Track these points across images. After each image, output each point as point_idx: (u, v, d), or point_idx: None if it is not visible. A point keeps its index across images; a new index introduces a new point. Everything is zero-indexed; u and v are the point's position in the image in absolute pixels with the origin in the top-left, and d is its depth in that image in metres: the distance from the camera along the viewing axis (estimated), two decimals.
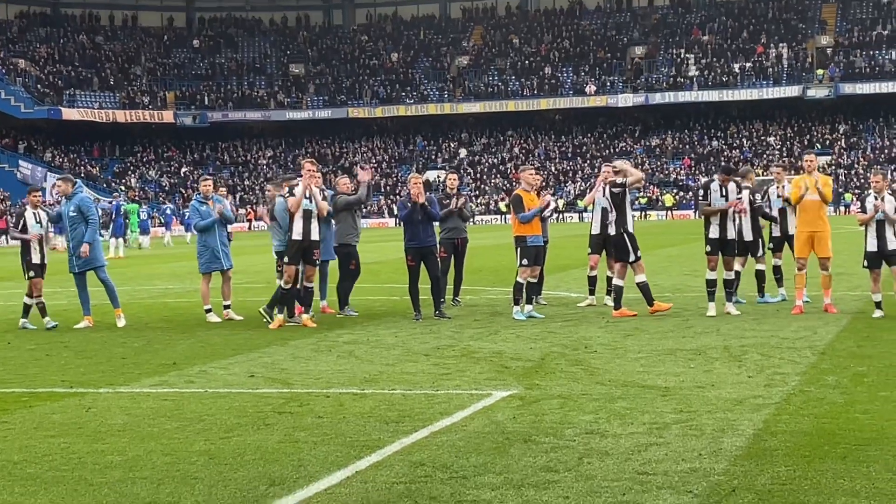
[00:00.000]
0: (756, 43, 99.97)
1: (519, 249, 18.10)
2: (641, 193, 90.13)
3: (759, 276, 19.31)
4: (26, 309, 18.71)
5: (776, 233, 19.22)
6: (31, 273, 18.59)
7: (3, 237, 79.01)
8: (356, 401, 10.91)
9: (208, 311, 18.89)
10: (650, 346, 14.24)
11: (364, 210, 19.20)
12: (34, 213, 18.67)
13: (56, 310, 21.85)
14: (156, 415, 10.48)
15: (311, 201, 17.42)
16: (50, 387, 12.40)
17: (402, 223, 18.82)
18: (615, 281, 18.09)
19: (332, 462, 8.40)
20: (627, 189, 17.91)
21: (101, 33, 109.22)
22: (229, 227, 19.39)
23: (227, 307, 18.91)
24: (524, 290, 18.01)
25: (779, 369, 12.13)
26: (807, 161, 18.16)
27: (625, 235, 17.76)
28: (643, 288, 17.87)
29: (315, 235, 17.51)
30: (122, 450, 8.99)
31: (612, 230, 17.95)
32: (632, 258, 17.77)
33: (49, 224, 18.93)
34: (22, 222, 18.75)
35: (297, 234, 17.38)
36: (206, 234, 18.91)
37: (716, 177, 18.18)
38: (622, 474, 7.81)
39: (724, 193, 17.72)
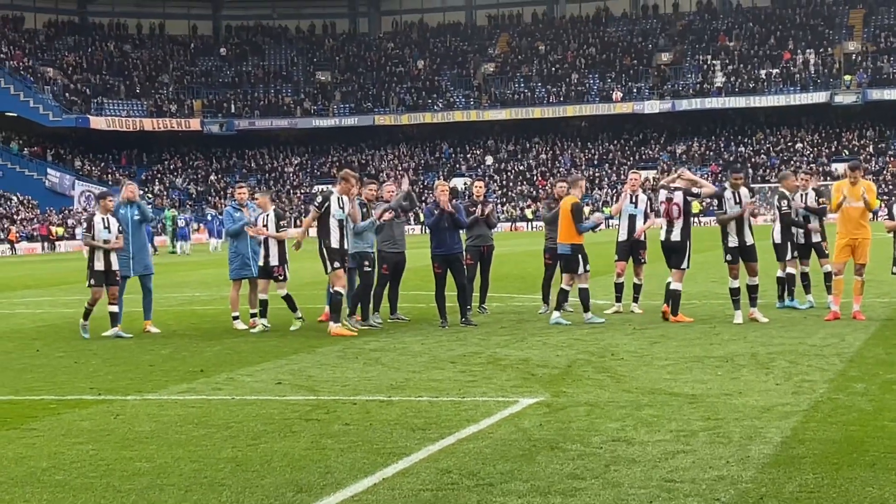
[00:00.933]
0: (783, 49, 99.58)
1: (580, 256, 18.12)
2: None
3: (786, 280, 19.27)
4: (113, 318, 18.33)
5: (801, 240, 19.14)
6: (92, 281, 18.22)
7: (43, 244, 79.64)
8: (383, 408, 10.93)
9: (235, 318, 18.94)
10: (677, 353, 14.21)
11: (402, 218, 19.20)
12: (103, 219, 18.20)
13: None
14: (183, 422, 10.51)
15: (343, 211, 17.53)
16: (78, 394, 12.45)
17: (428, 230, 18.85)
18: (675, 286, 17.98)
19: (359, 469, 8.41)
20: (700, 199, 18.48)
21: (129, 42, 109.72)
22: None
23: (254, 315, 18.93)
24: (568, 296, 18.45)
25: (807, 377, 12.08)
26: (851, 177, 17.64)
27: (688, 243, 17.92)
28: (676, 295, 17.87)
29: (347, 244, 17.63)
30: (150, 457, 9.02)
31: (675, 237, 17.84)
32: (685, 265, 17.96)
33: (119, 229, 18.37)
34: (91, 228, 18.29)
35: (335, 241, 17.49)
36: (237, 240, 18.94)
37: (727, 184, 18.10)
38: (649, 482, 7.80)
39: (737, 200, 17.68)
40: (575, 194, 18.45)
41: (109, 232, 18.17)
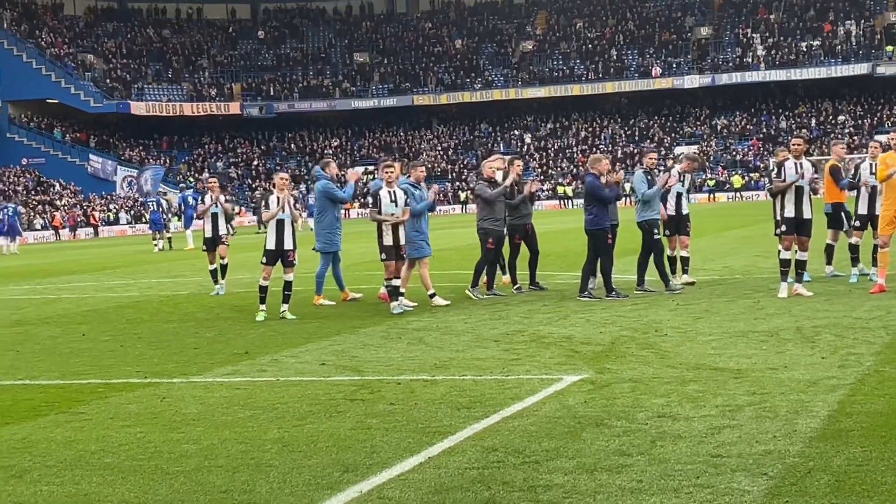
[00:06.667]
0: (824, 21, 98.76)
1: (842, 214, 19.46)
2: (709, 175, 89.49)
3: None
4: (393, 291, 18.01)
5: (862, 210, 18.84)
6: (384, 255, 17.81)
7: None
8: (427, 387, 10.94)
9: (432, 295, 18.54)
10: (721, 328, 14.14)
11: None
12: (390, 192, 17.89)
13: (128, 301, 22.16)
14: (229, 403, 10.57)
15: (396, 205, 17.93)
16: (125, 377, 12.55)
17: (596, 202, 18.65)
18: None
19: (405, 448, 8.43)
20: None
21: (168, 27, 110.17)
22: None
23: (401, 294, 18.66)
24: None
25: (853, 350, 12.00)
26: (893, 139, 17.70)
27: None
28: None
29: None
30: (197, 438, 9.08)
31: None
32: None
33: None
34: (378, 200, 17.97)
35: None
36: (418, 219, 18.65)
37: (790, 156, 17.80)
38: (696, 457, 7.77)
39: (798, 171, 17.39)
40: (834, 159, 19.46)
41: (396, 206, 17.85)
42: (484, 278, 19.50)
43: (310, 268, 26.56)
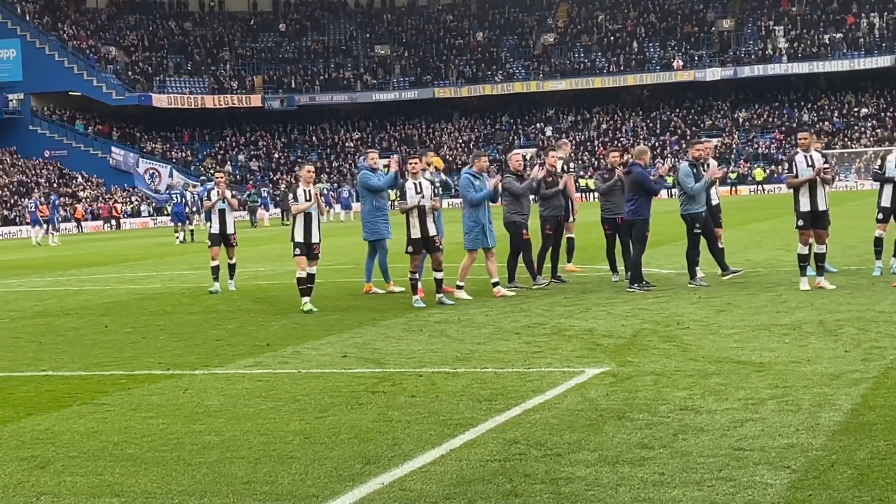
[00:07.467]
0: (847, 13, 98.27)
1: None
2: (732, 168, 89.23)
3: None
4: (438, 283, 17.89)
5: (885, 203, 18.69)
6: (410, 248, 17.82)
7: (106, 224, 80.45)
8: (448, 379, 10.94)
9: (460, 287, 18.49)
10: (743, 321, 14.10)
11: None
12: (415, 184, 17.83)
13: (150, 293, 22.22)
14: (251, 395, 10.59)
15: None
16: (147, 369, 12.58)
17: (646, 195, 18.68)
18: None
19: (426, 440, 8.43)
20: None
21: (189, 19, 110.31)
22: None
23: (495, 284, 18.64)
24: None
25: (876, 343, 11.95)
26: None
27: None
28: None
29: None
30: (219, 430, 9.10)
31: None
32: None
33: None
34: (404, 193, 17.91)
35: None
36: (476, 209, 18.64)
37: (799, 149, 17.70)
38: (718, 450, 7.75)
39: (810, 164, 17.33)
40: None
41: (424, 197, 17.78)
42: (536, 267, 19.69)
43: (333, 260, 26.64)
